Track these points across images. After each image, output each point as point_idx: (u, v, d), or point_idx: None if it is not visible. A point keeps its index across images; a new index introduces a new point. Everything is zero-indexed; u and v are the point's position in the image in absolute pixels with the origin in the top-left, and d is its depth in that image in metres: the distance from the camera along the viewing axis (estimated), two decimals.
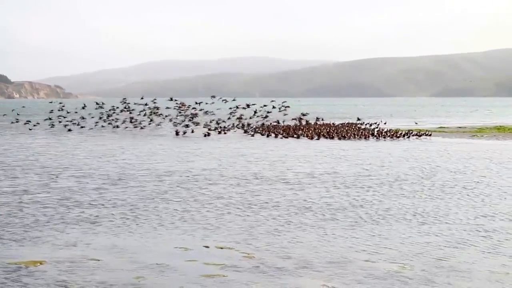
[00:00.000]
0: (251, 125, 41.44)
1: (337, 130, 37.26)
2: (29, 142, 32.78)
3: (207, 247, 10.22)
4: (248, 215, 12.76)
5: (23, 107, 71.68)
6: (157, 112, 45.66)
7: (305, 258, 9.53)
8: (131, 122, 44.14)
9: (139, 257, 9.57)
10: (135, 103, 46.42)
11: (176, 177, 18.43)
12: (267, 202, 14.23)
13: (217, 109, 44.69)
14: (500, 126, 45.97)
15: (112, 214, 12.88)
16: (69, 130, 41.40)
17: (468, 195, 15.31)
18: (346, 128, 39.91)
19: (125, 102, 45.09)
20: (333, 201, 14.35)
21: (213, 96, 45.90)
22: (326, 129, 37.57)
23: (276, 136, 35.90)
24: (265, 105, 44.23)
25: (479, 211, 13.25)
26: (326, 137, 34.61)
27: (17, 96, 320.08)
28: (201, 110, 44.03)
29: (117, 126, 43.83)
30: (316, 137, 34.35)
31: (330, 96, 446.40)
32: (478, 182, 17.53)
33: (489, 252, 9.91)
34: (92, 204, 13.93)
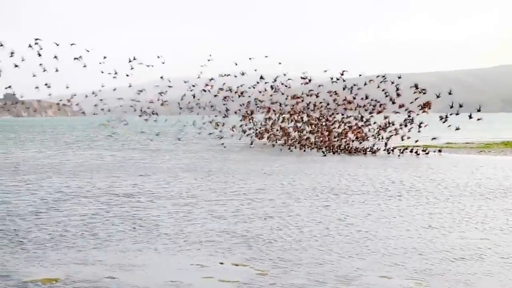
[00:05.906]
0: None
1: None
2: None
3: (222, 263, 10.21)
4: (263, 231, 12.73)
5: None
6: None
7: (319, 274, 9.51)
8: None
9: (154, 274, 9.57)
10: None
11: (195, 192, 18.43)
12: (283, 218, 14.20)
13: None
14: (507, 142, 45.86)
15: (125, 230, 12.88)
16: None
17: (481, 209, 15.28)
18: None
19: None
20: (342, 216, 14.32)
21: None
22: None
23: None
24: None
25: (485, 223, 13.21)
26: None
27: (25, 114, 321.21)
28: None
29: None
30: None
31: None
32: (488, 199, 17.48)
33: (500, 266, 9.88)
34: (105, 220, 13.94)
